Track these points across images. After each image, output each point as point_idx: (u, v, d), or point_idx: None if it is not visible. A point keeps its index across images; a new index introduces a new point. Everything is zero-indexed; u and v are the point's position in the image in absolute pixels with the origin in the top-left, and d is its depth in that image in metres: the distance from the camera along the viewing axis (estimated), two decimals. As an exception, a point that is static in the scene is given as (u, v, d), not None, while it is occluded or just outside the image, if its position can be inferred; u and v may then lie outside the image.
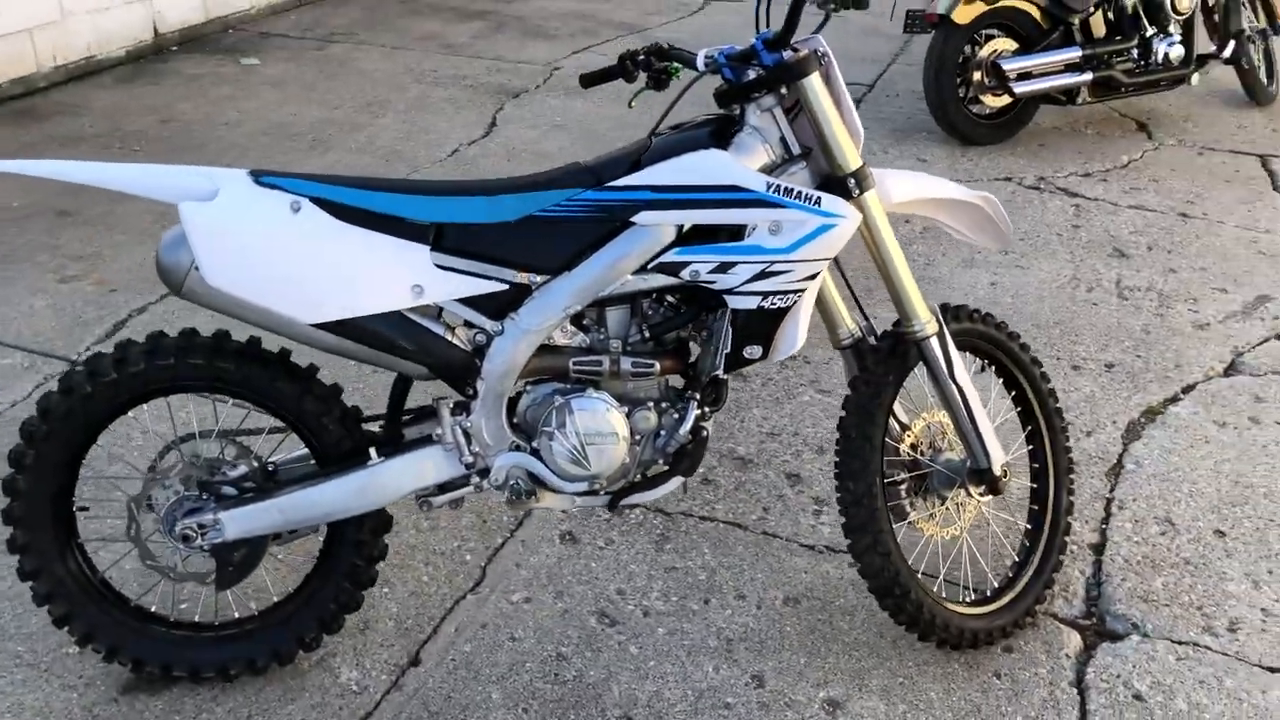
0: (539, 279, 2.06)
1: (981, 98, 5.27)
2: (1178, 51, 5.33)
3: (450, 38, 6.89)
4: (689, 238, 2.06)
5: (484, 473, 2.16)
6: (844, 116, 2.10)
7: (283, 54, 6.47)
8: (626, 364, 2.12)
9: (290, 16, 7.26)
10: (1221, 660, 2.40)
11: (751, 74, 2.10)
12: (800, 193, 2.03)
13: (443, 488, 2.19)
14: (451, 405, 2.12)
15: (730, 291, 2.06)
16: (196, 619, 2.31)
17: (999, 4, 5.06)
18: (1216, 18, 5.62)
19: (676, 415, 2.18)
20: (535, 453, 2.15)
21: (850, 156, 2.10)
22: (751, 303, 2.06)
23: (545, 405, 2.14)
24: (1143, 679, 2.35)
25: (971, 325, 2.39)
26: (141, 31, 6.32)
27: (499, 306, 2.07)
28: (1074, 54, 5.16)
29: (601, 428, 2.11)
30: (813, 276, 2.06)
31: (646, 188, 2.03)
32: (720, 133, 2.10)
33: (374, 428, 2.22)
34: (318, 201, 1.98)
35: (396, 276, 1.99)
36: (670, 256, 2.05)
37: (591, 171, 2.07)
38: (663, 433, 2.19)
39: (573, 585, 2.56)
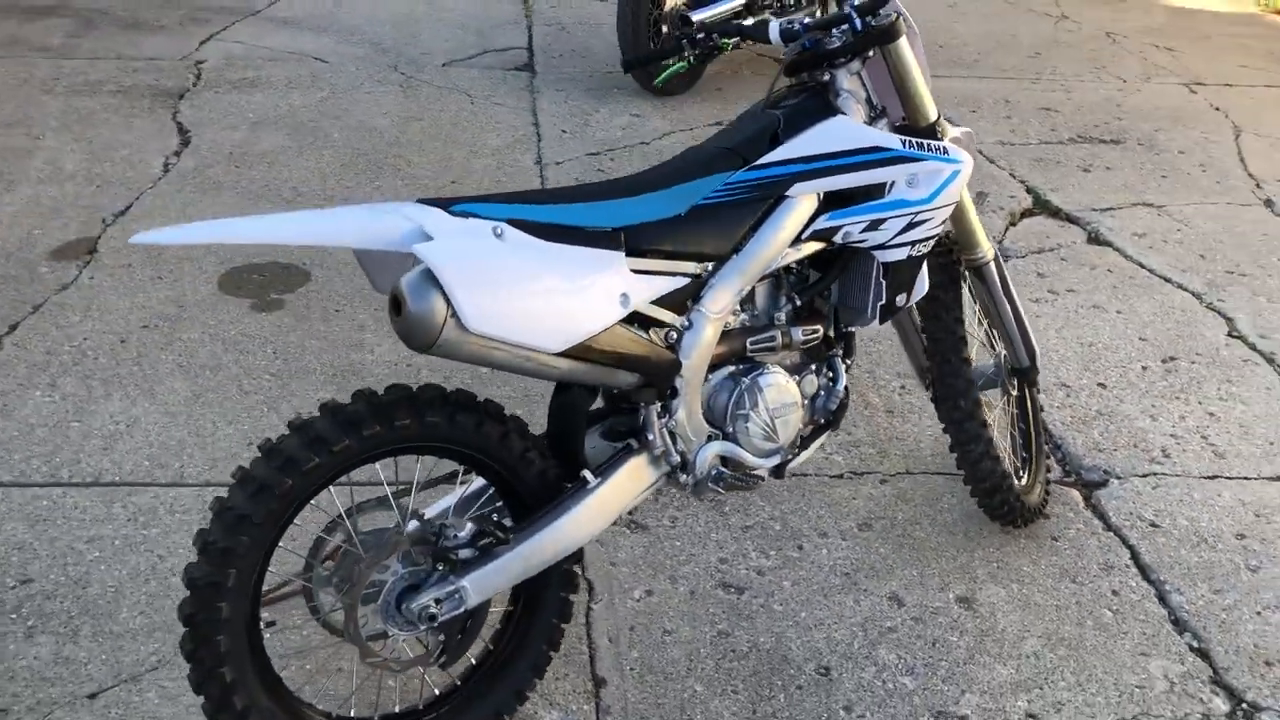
0: (709, 266, 2.06)
1: (668, 50, 5.58)
2: (807, -9, 6.01)
3: (39, 39, 5.95)
4: (828, 203, 2.16)
5: (683, 468, 2.13)
6: (923, 71, 2.29)
7: None
8: (798, 334, 2.19)
9: None
10: (1180, 480, 2.96)
11: (837, 41, 2.22)
12: (929, 144, 2.20)
13: (633, 495, 2.13)
14: (658, 409, 2.06)
15: (881, 246, 2.19)
16: (397, 709, 2.05)
17: (674, -42, 5.39)
18: (817, -40, 6.38)
19: (830, 375, 2.28)
20: (729, 437, 2.15)
21: (932, 108, 2.30)
22: (902, 254, 2.21)
23: (725, 389, 2.15)
24: (1146, 509, 2.85)
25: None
26: None
27: (679, 301, 2.04)
28: (739, 1, 5.63)
29: (785, 399, 2.17)
30: (945, 221, 2.25)
31: (796, 160, 2.09)
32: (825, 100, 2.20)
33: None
34: (514, 224, 1.84)
35: (608, 288, 1.90)
36: (823, 223, 2.14)
37: (735, 152, 2.10)
38: (822, 393, 2.28)
39: (678, 568, 2.57)
